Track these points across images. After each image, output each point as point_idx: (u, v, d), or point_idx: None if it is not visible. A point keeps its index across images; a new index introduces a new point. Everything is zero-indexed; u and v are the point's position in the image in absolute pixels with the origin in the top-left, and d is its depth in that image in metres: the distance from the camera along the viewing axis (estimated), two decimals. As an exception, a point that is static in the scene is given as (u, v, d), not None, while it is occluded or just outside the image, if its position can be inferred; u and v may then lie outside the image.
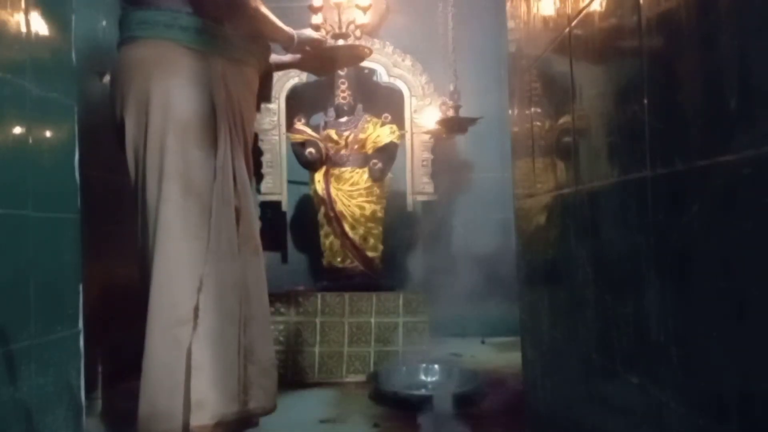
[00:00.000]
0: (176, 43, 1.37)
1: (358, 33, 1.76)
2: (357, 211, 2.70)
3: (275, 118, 2.84)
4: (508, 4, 1.61)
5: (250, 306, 1.45)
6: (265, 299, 1.53)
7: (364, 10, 1.74)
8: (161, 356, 1.30)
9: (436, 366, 2.39)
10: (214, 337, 1.33)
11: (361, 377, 2.42)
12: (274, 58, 1.72)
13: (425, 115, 2.78)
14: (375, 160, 2.69)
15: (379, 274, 2.76)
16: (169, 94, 1.34)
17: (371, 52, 1.85)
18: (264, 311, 1.52)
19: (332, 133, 2.77)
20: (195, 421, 1.28)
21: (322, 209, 2.75)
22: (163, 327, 1.30)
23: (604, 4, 0.93)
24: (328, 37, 1.71)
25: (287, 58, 1.80)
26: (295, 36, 1.64)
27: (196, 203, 1.34)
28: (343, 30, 1.71)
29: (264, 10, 1.51)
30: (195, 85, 1.37)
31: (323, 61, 1.75)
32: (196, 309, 1.32)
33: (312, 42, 1.68)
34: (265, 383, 1.48)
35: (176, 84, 1.35)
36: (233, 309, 1.39)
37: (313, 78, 2.81)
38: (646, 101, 0.77)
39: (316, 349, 2.50)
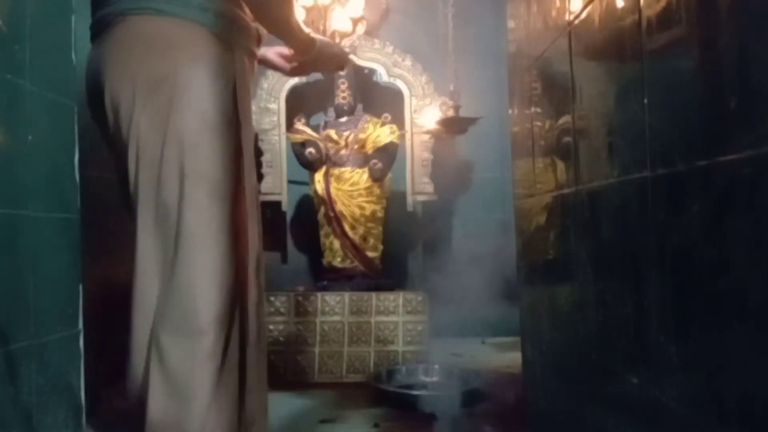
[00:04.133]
0: (206, 29, 1.21)
1: (337, 40, 1.66)
2: (357, 211, 2.70)
3: (275, 118, 2.84)
4: (508, 4, 1.61)
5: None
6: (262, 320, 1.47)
7: (355, 22, 1.69)
8: (180, 364, 1.25)
9: (436, 366, 2.39)
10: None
11: (361, 377, 2.42)
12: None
13: (425, 115, 2.78)
14: (375, 160, 2.69)
15: (379, 274, 2.76)
16: (199, 86, 1.20)
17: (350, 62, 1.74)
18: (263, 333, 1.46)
19: (332, 133, 2.77)
20: None
21: (322, 209, 2.75)
22: (184, 335, 1.26)
23: (604, 4, 0.93)
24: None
25: (272, 55, 1.58)
26: (317, 41, 1.45)
27: (221, 208, 1.24)
28: (326, 36, 1.61)
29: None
30: (222, 79, 1.23)
31: (306, 63, 1.55)
32: (220, 321, 1.28)
33: (328, 49, 1.49)
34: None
35: (206, 75, 1.21)
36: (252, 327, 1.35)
37: (313, 78, 2.81)
38: (646, 101, 0.77)
39: (316, 349, 2.50)
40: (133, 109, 1.19)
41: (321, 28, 1.61)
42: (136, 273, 1.26)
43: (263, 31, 1.40)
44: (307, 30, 1.44)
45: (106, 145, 1.27)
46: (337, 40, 1.62)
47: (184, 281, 1.23)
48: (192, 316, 1.24)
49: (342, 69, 1.70)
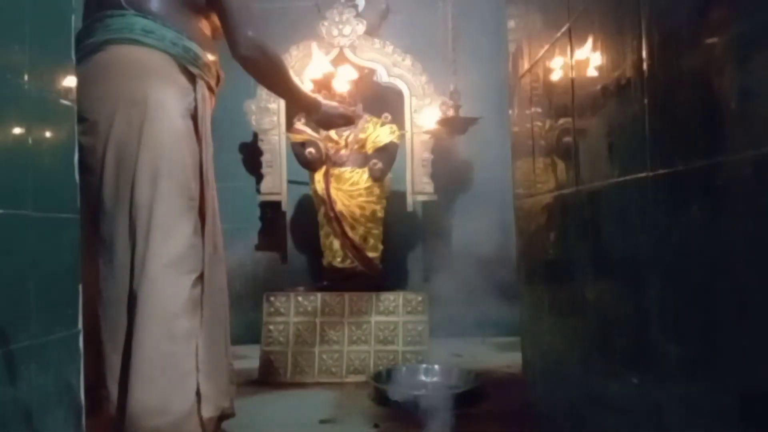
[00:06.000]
0: (175, 59, 1.42)
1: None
2: (357, 211, 2.70)
3: (275, 118, 2.84)
4: (508, 5, 1.61)
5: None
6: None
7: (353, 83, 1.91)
8: (157, 349, 1.31)
9: (436, 366, 2.39)
10: (210, 335, 1.39)
11: (361, 377, 2.42)
12: None
13: (425, 115, 2.78)
14: (375, 160, 2.68)
15: (379, 274, 2.76)
16: (167, 103, 1.39)
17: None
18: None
19: (332, 133, 2.76)
20: (205, 413, 1.34)
21: (322, 209, 2.75)
22: (158, 320, 1.32)
23: (603, 4, 0.93)
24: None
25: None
26: (322, 104, 1.74)
27: (189, 206, 1.39)
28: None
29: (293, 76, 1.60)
30: (185, 101, 1.43)
31: (317, 122, 1.83)
32: (198, 305, 1.36)
33: (335, 111, 1.78)
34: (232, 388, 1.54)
35: (173, 95, 1.41)
36: (220, 310, 1.44)
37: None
38: (646, 101, 0.77)
39: (316, 349, 2.50)
40: (113, 123, 1.36)
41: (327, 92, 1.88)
42: (114, 267, 1.36)
43: (222, 73, 1.61)
44: (313, 95, 1.74)
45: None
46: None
47: (155, 270, 1.33)
48: (166, 302, 1.33)
49: (352, 124, 1.99)
